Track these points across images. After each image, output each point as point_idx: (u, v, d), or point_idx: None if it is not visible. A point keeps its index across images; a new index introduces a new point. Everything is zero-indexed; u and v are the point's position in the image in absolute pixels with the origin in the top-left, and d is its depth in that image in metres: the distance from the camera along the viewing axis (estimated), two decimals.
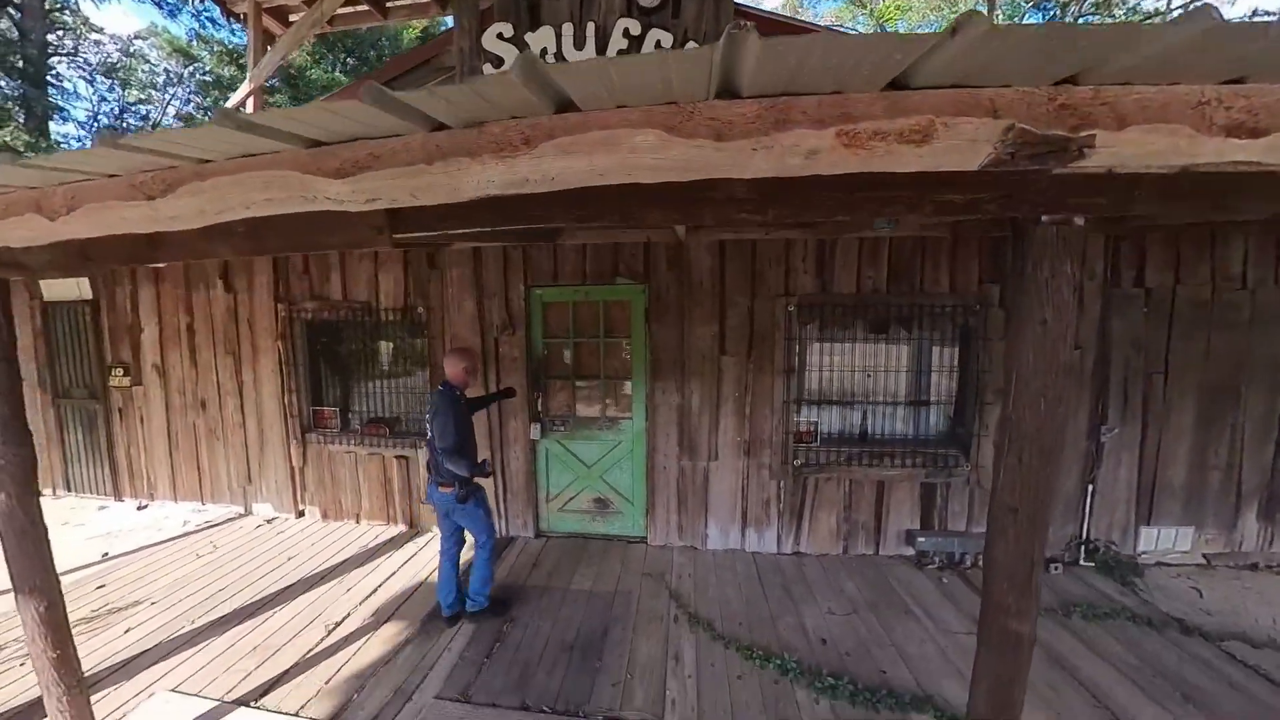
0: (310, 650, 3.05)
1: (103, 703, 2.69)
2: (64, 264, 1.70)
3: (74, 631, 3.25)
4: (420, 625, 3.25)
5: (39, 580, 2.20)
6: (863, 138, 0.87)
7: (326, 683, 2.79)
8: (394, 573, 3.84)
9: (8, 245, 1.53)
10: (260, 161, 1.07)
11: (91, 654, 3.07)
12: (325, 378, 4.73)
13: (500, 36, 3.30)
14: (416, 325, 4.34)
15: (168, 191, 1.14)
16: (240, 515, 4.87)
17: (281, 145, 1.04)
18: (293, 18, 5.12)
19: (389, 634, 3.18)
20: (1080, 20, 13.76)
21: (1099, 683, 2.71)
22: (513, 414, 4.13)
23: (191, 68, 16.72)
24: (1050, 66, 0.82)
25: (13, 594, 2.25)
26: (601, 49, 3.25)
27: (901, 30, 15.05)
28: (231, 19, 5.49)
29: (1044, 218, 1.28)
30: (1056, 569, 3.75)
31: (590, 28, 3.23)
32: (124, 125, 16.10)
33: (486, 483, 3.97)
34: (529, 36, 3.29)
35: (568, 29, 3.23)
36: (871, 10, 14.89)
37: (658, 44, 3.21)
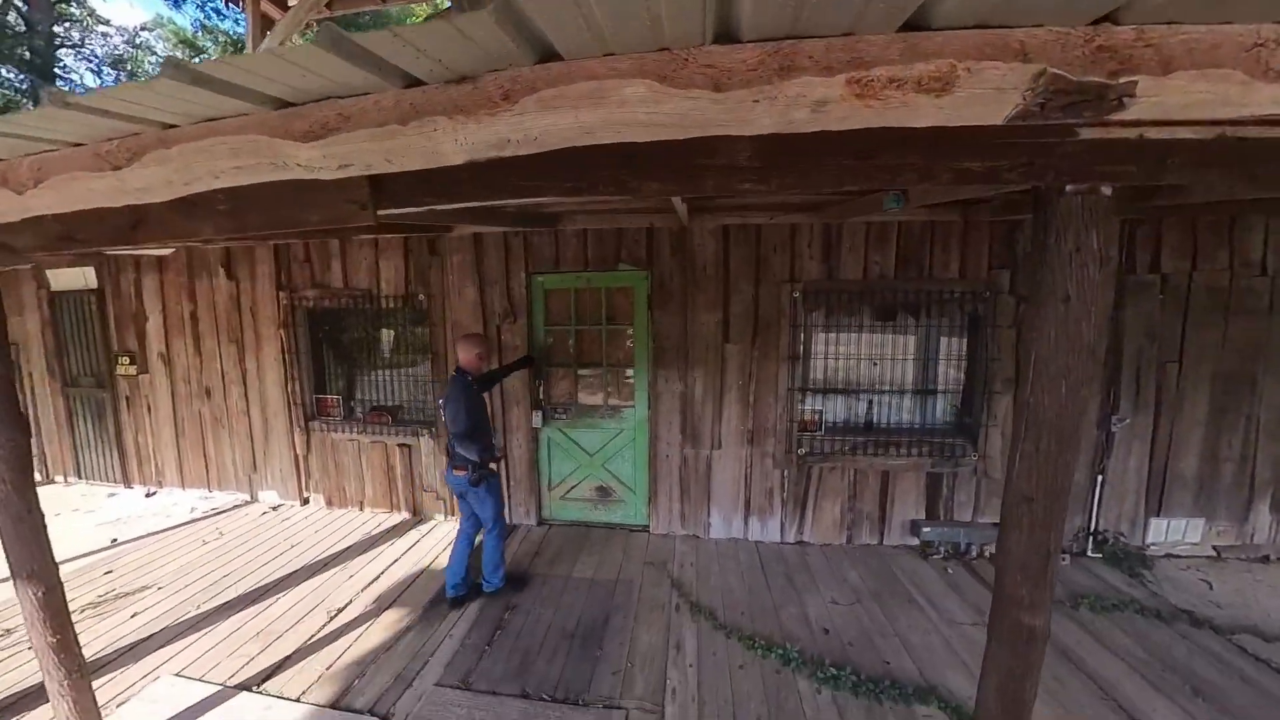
0: (312, 636, 3.04)
1: (109, 685, 2.69)
2: (48, 245, 1.63)
3: (82, 616, 3.32)
4: (422, 612, 3.23)
5: (37, 566, 2.17)
6: (876, 86, 0.78)
7: (328, 668, 2.77)
8: (396, 560, 3.81)
9: None
10: (227, 126, 1.00)
11: (99, 637, 3.08)
12: (328, 366, 4.69)
13: None
14: (418, 313, 4.27)
15: (133, 160, 1.07)
16: (246, 502, 4.87)
17: (248, 106, 0.96)
18: (292, 2, 5.02)
19: (390, 620, 3.16)
20: None
21: (1106, 675, 2.64)
22: (515, 401, 4.07)
23: (198, 59, 16.60)
24: (1088, 2, 0.72)
25: (10, 580, 2.23)
26: None
27: None
28: (231, 4, 5.39)
29: (1069, 187, 1.18)
30: (1064, 560, 3.66)
31: None
32: None
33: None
34: None
35: None
36: None
37: None
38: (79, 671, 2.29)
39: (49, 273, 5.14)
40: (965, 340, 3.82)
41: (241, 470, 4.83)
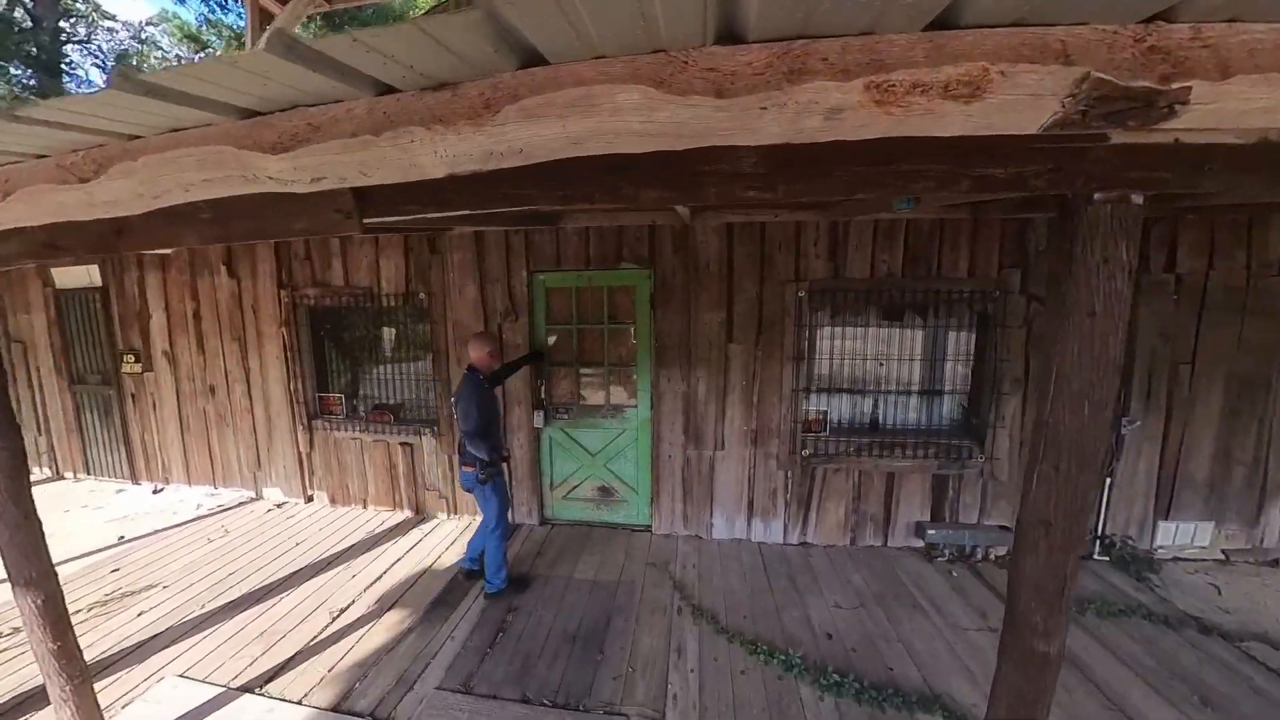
0: (315, 637, 3.01)
1: (113, 686, 2.68)
2: (34, 253, 1.57)
3: (90, 614, 3.31)
4: (424, 613, 3.20)
5: (35, 573, 2.14)
6: (898, 92, 0.70)
7: (330, 670, 2.74)
8: (399, 559, 3.79)
9: None
10: (191, 137, 0.92)
11: (106, 636, 3.07)
12: (330, 364, 4.65)
13: None
14: (419, 311, 4.21)
15: (99, 172, 1.00)
16: (251, 499, 4.85)
17: (211, 116, 0.89)
18: None
19: (393, 621, 3.13)
20: None
21: (1112, 683, 2.57)
22: (516, 401, 4.01)
23: (202, 53, 16.49)
24: None
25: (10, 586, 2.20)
26: None
27: None
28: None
29: (1097, 195, 1.09)
30: None
31: None
32: None
33: None
34: None
35: None
36: None
37: None
38: (80, 676, 2.26)
39: (54, 271, 5.11)
40: (974, 340, 3.72)
41: (246, 467, 4.82)
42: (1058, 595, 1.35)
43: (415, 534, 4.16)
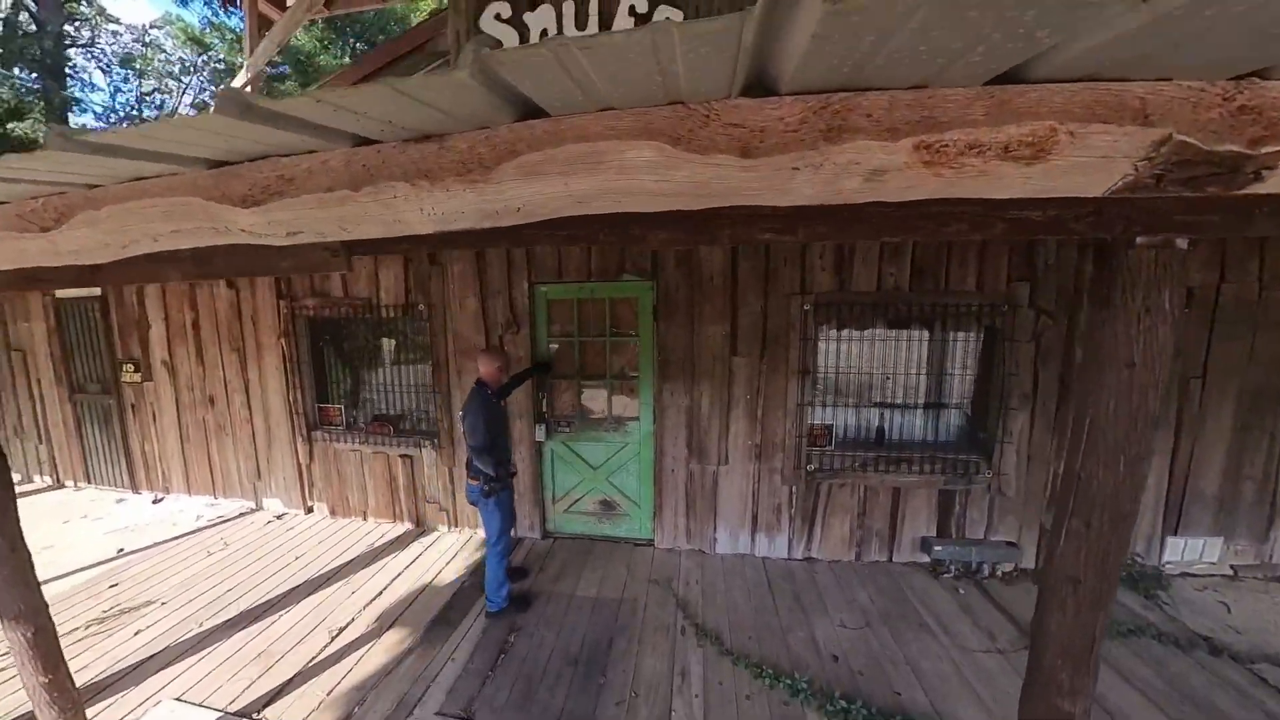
0: (313, 658, 2.94)
1: (109, 711, 2.60)
2: (15, 285, 1.48)
3: (86, 633, 3.23)
4: (424, 632, 3.12)
5: (24, 606, 2.07)
6: (950, 153, 0.61)
7: (328, 693, 2.67)
8: (399, 574, 3.71)
9: None
10: (156, 187, 0.83)
11: (102, 657, 2.99)
12: (330, 375, 4.56)
13: (498, 17, 2.99)
14: (419, 323, 4.12)
15: (60, 222, 0.91)
16: (251, 510, 4.78)
17: (173, 166, 0.80)
18: (290, 1, 4.81)
19: (392, 641, 3.05)
20: None
21: (1123, 708, 2.49)
22: (518, 414, 3.93)
23: (205, 56, 16.37)
24: (1242, 51, 0.53)
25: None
26: (606, 28, 2.92)
27: None
28: (228, 5, 5.19)
29: (1140, 239, 1.00)
30: None
31: (593, 5, 2.90)
32: (140, 115, 15.86)
33: None
34: (528, 16, 2.97)
35: (568, 8, 2.91)
36: None
37: (667, 20, 2.87)
38: (73, 708, 2.19)
39: None
40: (981, 354, 3.63)
41: (246, 478, 4.74)
42: (1085, 654, 1.26)
43: (415, 547, 4.08)
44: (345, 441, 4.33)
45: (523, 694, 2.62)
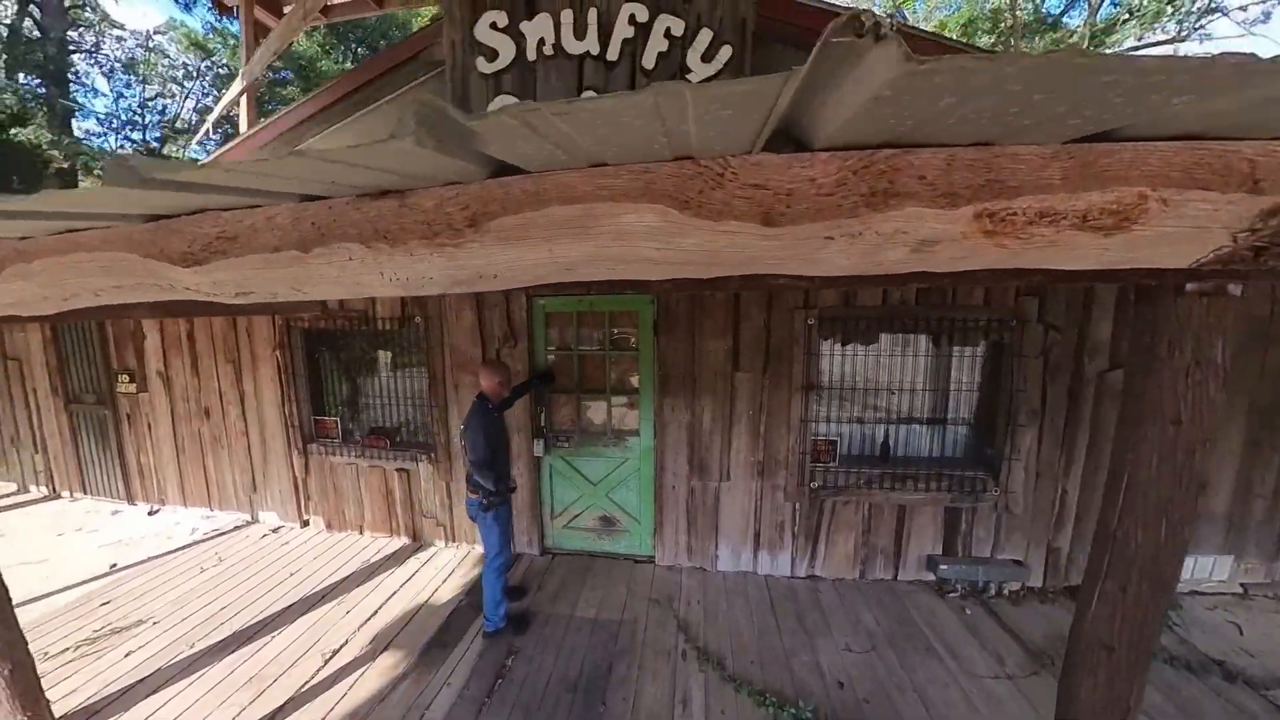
0: (306, 683, 2.82)
1: None
2: None
3: (76, 654, 3.12)
4: (419, 655, 3.01)
5: (2, 645, 1.95)
6: (1019, 222, 0.49)
7: None
8: (394, 593, 3.59)
9: None
10: (90, 240, 0.72)
11: (91, 680, 2.88)
12: (326, 387, 4.45)
13: (494, 26, 2.88)
14: (415, 335, 4.01)
15: None
16: (247, 523, 4.67)
17: (108, 220, 0.68)
18: (287, 9, 4.70)
19: (387, 665, 2.94)
20: (1105, 2, 12.70)
21: None
22: (516, 429, 3.81)
23: (208, 61, 16.27)
24: None
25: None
26: (605, 38, 2.81)
27: (919, 11, 14.04)
28: (224, 14, 5.07)
29: (1189, 285, 0.89)
30: None
31: (592, 14, 2.79)
32: (143, 120, 15.76)
33: None
34: (525, 26, 2.86)
35: (567, 16, 2.80)
36: None
37: (667, 31, 2.77)
38: None
39: None
40: (988, 369, 3.51)
41: (242, 490, 4.63)
42: None
43: (412, 563, 3.97)
44: (341, 454, 4.22)
45: None
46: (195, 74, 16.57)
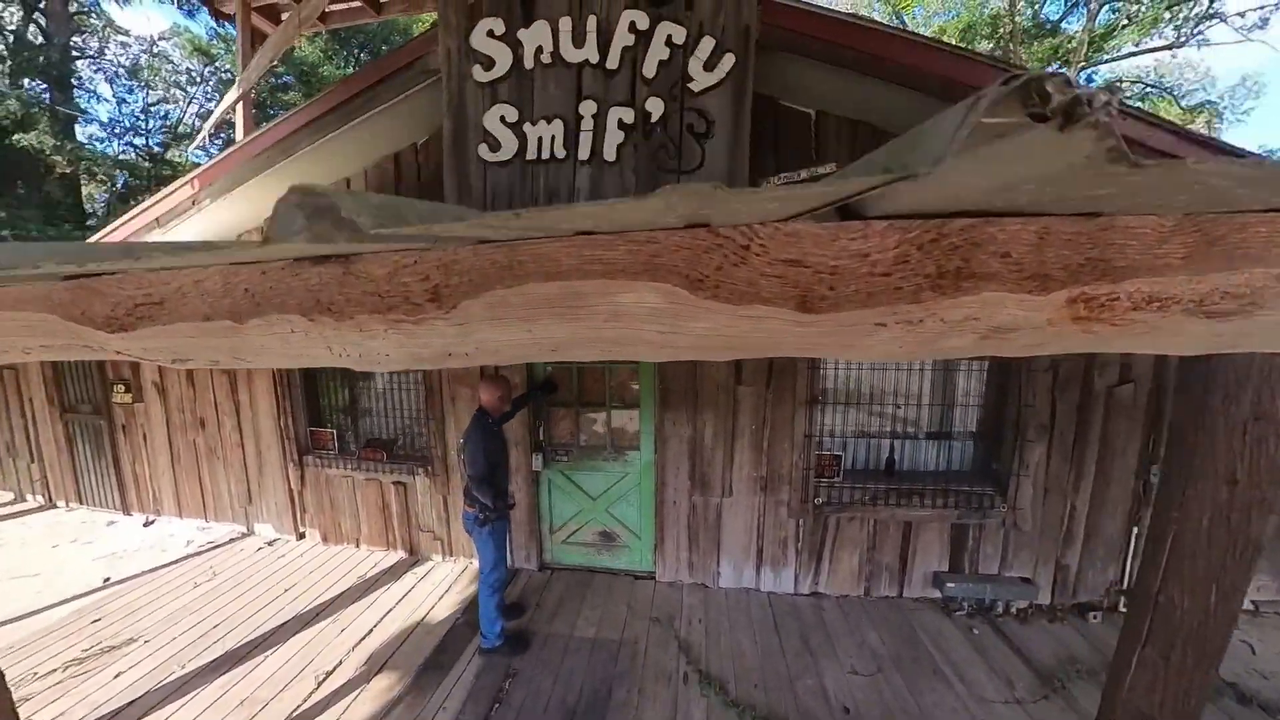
0: (298, 707, 2.72)
1: None
2: None
3: (65, 674, 3.02)
4: (414, 676, 2.90)
5: None
6: (1120, 308, 0.39)
7: None
8: (390, 610, 3.49)
9: None
10: (7, 297, 0.61)
11: (80, 703, 2.78)
12: (321, 399, 4.34)
13: (491, 34, 2.77)
14: None
15: None
16: (243, 535, 4.56)
17: (18, 281, 0.58)
18: (285, 16, 4.60)
19: (381, 687, 2.84)
20: (1104, 8, 12.60)
21: None
22: (514, 442, 3.70)
23: (211, 66, 16.18)
24: None
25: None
26: (604, 46, 2.71)
27: (918, 17, 13.94)
28: (221, 20, 4.98)
29: None
30: (1095, 618, 3.29)
31: (591, 22, 2.68)
32: (146, 126, 15.67)
33: None
34: (522, 34, 2.75)
35: (565, 24, 2.69)
36: None
37: (668, 39, 2.66)
38: None
39: None
40: (996, 383, 3.41)
41: (237, 502, 4.52)
42: None
43: (409, 578, 3.86)
44: (337, 467, 4.11)
45: None
46: (199, 79, 16.48)
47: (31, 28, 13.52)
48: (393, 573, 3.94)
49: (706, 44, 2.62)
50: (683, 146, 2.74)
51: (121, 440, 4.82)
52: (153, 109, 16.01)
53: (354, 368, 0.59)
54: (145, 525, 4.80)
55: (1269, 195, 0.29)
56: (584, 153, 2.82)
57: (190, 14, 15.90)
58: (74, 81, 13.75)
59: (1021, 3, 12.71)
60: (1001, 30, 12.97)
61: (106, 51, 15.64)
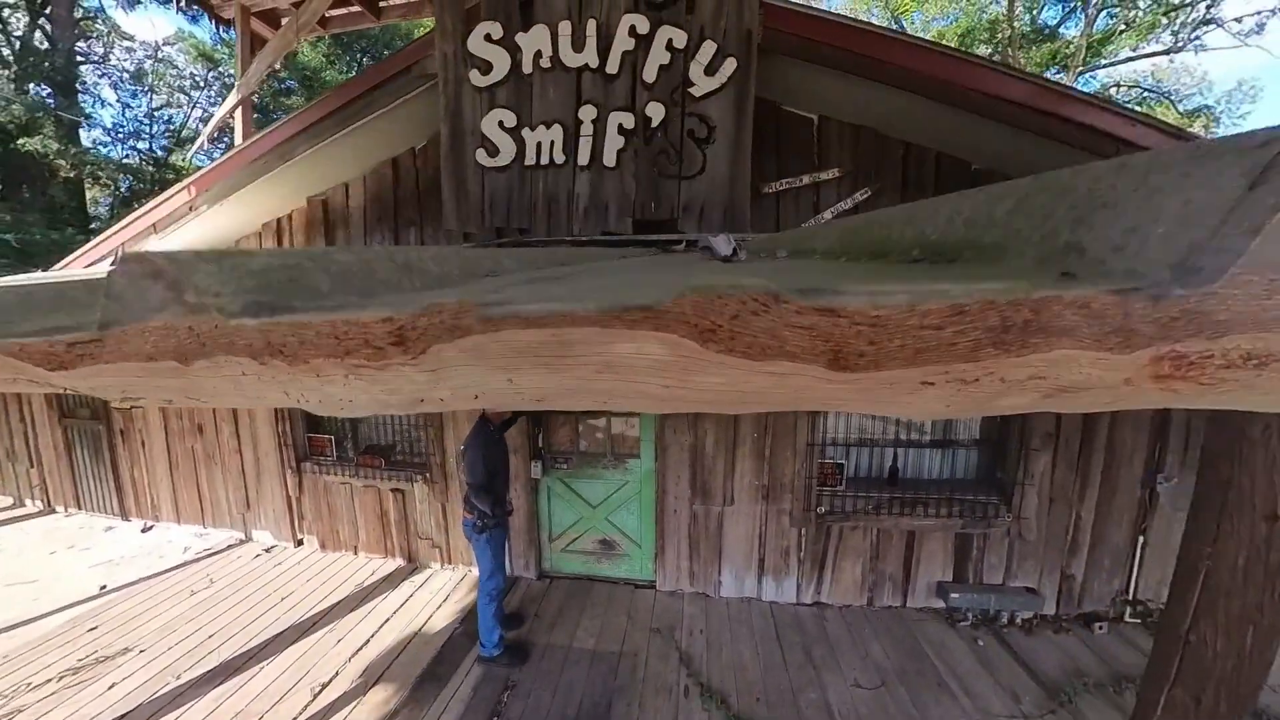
0: None
1: None
2: None
3: (59, 684, 2.95)
4: (411, 689, 2.83)
5: None
6: (1211, 366, 0.32)
7: None
8: (388, 619, 3.42)
9: None
10: None
11: (73, 714, 2.72)
12: None
13: (488, 38, 2.71)
14: None
15: None
16: (241, 541, 4.49)
17: None
18: (284, 21, 4.55)
19: (377, 700, 2.77)
20: (1101, 13, 12.55)
21: None
22: (513, 450, 3.63)
23: (215, 71, 16.16)
24: None
25: None
26: (604, 50, 2.65)
27: (916, 22, 13.89)
28: (221, 25, 4.93)
29: None
30: (1101, 629, 3.21)
31: (591, 25, 2.62)
32: (150, 130, 15.64)
33: None
34: (521, 38, 2.69)
35: (564, 28, 2.63)
36: (887, 2, 13.70)
37: (669, 43, 2.60)
38: None
39: None
40: None
41: (235, 508, 4.46)
42: None
43: (407, 587, 3.79)
44: (335, 473, 4.04)
45: None
46: (202, 84, 16.46)
47: (37, 33, 13.50)
48: (390, 581, 3.87)
49: (708, 48, 2.56)
50: (684, 152, 2.68)
51: (120, 446, 4.75)
52: (156, 114, 15.99)
53: (316, 412, 0.53)
54: (143, 531, 4.73)
55: None
56: (584, 158, 2.76)
57: (194, 19, 15.87)
58: (79, 86, 13.73)
59: (1019, 8, 12.66)
60: (1000, 35, 12.92)
61: (111, 57, 15.63)
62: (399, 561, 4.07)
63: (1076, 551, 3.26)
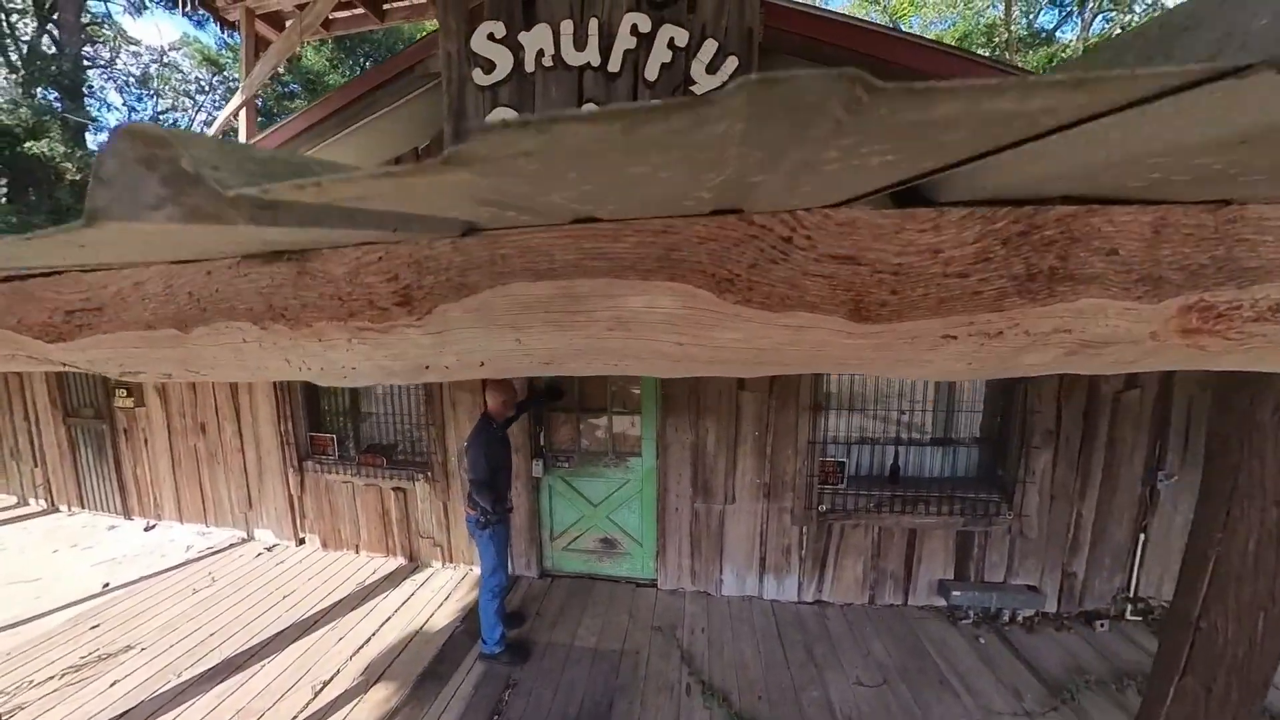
0: (294, 718, 2.63)
1: None
2: None
3: (61, 682, 2.94)
4: (412, 687, 2.81)
5: None
6: (1241, 319, 0.31)
7: None
8: (389, 618, 3.40)
9: None
10: None
11: (74, 713, 2.70)
12: (322, 404, 4.27)
13: (491, 37, 2.71)
14: None
15: None
16: (243, 540, 4.47)
17: None
18: (290, 24, 4.56)
19: (379, 699, 2.74)
20: (1098, 17, 12.60)
21: None
22: (514, 449, 3.61)
23: (220, 75, 16.24)
24: None
25: None
26: (606, 49, 2.64)
27: (914, 26, 13.95)
28: (225, 28, 4.94)
29: None
30: (1103, 626, 3.19)
31: (593, 24, 2.62)
32: None
33: None
34: (523, 37, 2.69)
35: (567, 27, 2.63)
36: (885, 6, 13.76)
37: (671, 41, 2.60)
38: None
39: None
40: (1001, 388, 3.32)
41: (237, 507, 4.44)
42: None
43: (408, 585, 3.77)
44: (337, 472, 4.03)
45: None
46: (207, 88, 16.54)
47: (45, 38, 13.58)
48: (392, 579, 3.85)
49: (709, 47, 2.56)
50: None
51: (123, 445, 4.74)
52: (162, 117, 16.05)
53: (317, 382, 0.52)
54: (146, 530, 4.71)
55: None
56: None
57: (200, 24, 15.98)
58: (85, 90, 13.79)
59: (1017, 11, 12.70)
60: (997, 39, 12.96)
61: (118, 61, 15.71)
62: (400, 560, 4.05)
63: (1078, 549, 3.24)
